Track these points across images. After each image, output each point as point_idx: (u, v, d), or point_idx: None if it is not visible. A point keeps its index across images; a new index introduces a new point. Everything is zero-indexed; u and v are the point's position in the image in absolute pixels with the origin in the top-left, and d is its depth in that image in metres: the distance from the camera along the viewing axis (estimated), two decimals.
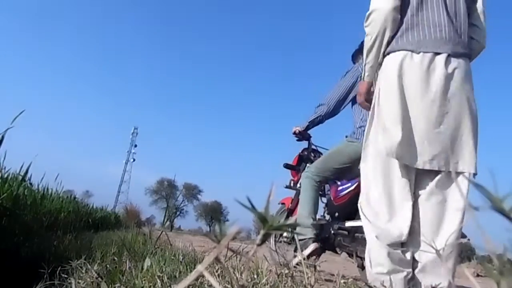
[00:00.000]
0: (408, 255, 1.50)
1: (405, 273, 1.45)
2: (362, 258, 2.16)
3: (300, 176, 2.85)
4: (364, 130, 1.74)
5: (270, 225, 0.30)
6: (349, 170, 2.53)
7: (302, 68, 78.35)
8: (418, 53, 1.50)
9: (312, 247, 2.32)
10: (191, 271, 1.22)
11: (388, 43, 1.59)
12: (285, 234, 2.96)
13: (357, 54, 2.76)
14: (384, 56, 1.61)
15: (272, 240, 3.13)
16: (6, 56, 74.08)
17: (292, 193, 3.10)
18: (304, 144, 3.12)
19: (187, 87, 76.10)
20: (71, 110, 76.95)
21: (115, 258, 1.50)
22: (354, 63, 2.80)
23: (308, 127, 2.88)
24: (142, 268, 1.18)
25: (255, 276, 1.15)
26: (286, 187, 3.14)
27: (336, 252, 2.61)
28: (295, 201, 3.00)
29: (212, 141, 74.73)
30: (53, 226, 2.84)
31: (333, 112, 2.69)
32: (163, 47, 76.89)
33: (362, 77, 1.77)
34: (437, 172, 1.49)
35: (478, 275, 6.49)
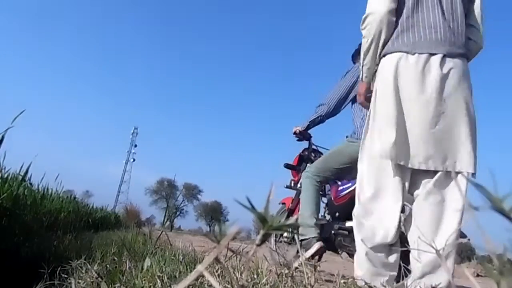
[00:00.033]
0: (392, 258, 1.53)
1: (387, 277, 1.49)
2: None
3: (301, 176, 2.85)
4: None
5: (270, 225, 0.30)
6: (350, 170, 2.53)
7: (302, 68, 78.44)
8: (413, 54, 1.51)
9: (316, 246, 2.31)
10: (191, 271, 1.22)
11: (384, 44, 1.61)
12: (285, 234, 2.96)
13: (357, 54, 2.76)
14: (380, 57, 1.63)
15: (272, 240, 3.13)
16: (7, 56, 74.17)
17: (292, 193, 3.10)
18: (305, 144, 3.12)
19: (187, 87, 76.21)
20: (71, 110, 77.09)
21: (115, 258, 1.50)
22: (354, 63, 2.80)
23: (308, 127, 2.88)
24: (142, 268, 1.18)
25: (255, 276, 1.15)
26: (287, 187, 3.14)
27: (337, 252, 2.61)
28: (296, 201, 3.00)
29: (212, 141, 74.85)
30: (53, 226, 2.84)
31: (334, 111, 2.70)
32: (163, 47, 77.04)
33: (360, 78, 1.80)
34: (435, 172, 1.49)
35: (478, 275, 6.48)
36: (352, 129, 2.59)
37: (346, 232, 2.43)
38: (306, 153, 3.10)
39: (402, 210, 2.07)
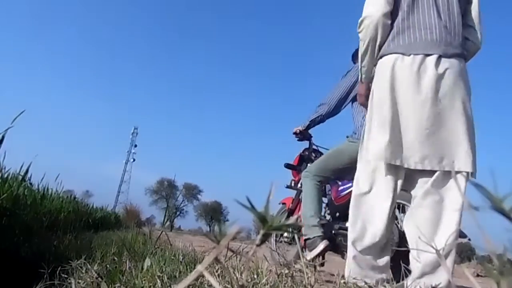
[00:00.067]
0: (381, 261, 1.55)
1: (373, 281, 1.50)
2: None
3: (301, 176, 2.85)
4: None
5: (270, 225, 0.30)
6: (350, 170, 2.52)
7: (303, 69, 78.39)
8: (409, 55, 1.53)
9: (322, 245, 2.30)
10: (191, 271, 1.22)
11: (381, 46, 1.63)
12: (285, 234, 2.96)
13: (357, 54, 2.75)
14: (378, 59, 1.66)
15: (272, 240, 3.13)
16: (6, 56, 74.14)
17: (293, 193, 3.10)
18: (305, 144, 3.12)
19: (187, 87, 76.18)
20: (71, 110, 77.09)
21: (115, 258, 1.50)
22: (354, 63, 2.80)
23: (309, 126, 2.88)
24: (142, 268, 1.18)
25: (255, 276, 1.15)
26: (287, 187, 3.14)
27: (337, 252, 2.61)
28: (296, 201, 3.00)
29: (212, 141, 74.81)
30: (53, 226, 2.84)
31: (334, 111, 2.70)
32: (164, 47, 76.95)
33: (360, 79, 1.83)
34: (434, 172, 1.50)
35: (478, 275, 6.49)
36: (352, 129, 2.59)
37: (347, 232, 2.43)
38: (307, 153, 3.10)
39: (403, 210, 2.08)
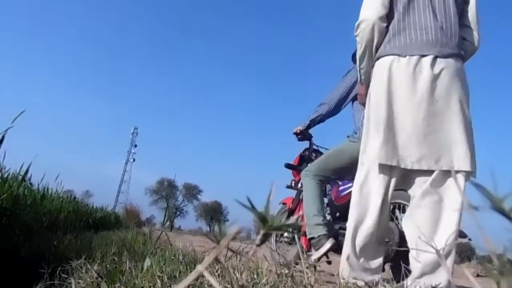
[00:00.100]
0: (374, 264, 1.56)
1: (362, 283, 1.51)
2: None
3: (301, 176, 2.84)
4: None
5: (270, 225, 0.30)
6: (350, 170, 2.52)
7: (302, 68, 78.41)
8: (405, 56, 1.55)
9: (329, 244, 2.30)
10: (191, 271, 1.22)
11: (378, 48, 1.66)
12: (285, 234, 2.96)
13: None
14: (375, 60, 1.68)
15: (272, 240, 3.13)
16: (6, 56, 74.15)
17: (293, 193, 3.10)
18: (306, 144, 3.12)
19: (187, 87, 76.19)
20: (71, 110, 77.09)
21: (115, 258, 1.50)
22: (354, 62, 2.80)
23: (309, 126, 2.89)
24: (142, 268, 1.18)
25: (255, 276, 1.15)
26: (287, 187, 3.14)
27: (337, 253, 2.61)
28: (296, 201, 3.00)
29: (212, 141, 74.82)
30: (53, 226, 2.84)
31: (334, 111, 2.70)
32: (164, 47, 76.94)
33: (359, 80, 1.86)
34: (431, 172, 1.50)
35: (478, 275, 6.48)
36: (353, 129, 2.59)
37: None
38: (307, 153, 3.10)
39: (403, 210, 2.09)
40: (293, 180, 3.14)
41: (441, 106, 1.49)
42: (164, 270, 1.16)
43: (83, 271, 1.16)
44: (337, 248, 2.55)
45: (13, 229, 1.83)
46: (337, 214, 2.64)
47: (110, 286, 1.06)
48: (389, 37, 1.62)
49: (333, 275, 2.14)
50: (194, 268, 1.07)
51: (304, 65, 77.07)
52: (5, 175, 2.25)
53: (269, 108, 77.37)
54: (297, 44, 78.31)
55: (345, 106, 2.68)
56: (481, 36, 1.70)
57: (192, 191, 44.92)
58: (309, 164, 2.98)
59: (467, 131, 1.49)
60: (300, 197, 2.95)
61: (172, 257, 1.48)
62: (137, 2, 78.18)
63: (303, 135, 3.00)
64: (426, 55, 1.52)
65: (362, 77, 1.80)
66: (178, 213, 44.66)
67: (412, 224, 1.51)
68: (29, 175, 2.60)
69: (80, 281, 1.08)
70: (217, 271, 1.14)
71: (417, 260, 1.46)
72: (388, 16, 1.64)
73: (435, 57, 1.52)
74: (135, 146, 49.13)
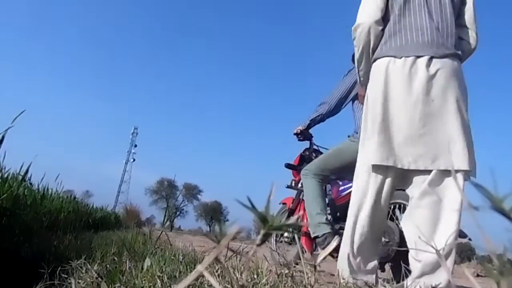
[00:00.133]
0: (369, 265, 1.58)
1: (363, 283, 1.52)
2: None
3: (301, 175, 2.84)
4: None
5: (270, 225, 0.30)
6: (350, 170, 2.52)
7: (302, 68, 78.39)
8: (400, 57, 1.56)
9: (335, 242, 2.30)
10: (191, 271, 1.22)
11: (375, 50, 1.68)
12: (285, 234, 2.96)
13: None
14: (372, 62, 1.70)
15: (272, 240, 3.13)
16: (6, 56, 74.12)
17: (293, 193, 3.10)
18: (306, 144, 3.12)
19: (187, 87, 76.16)
20: (71, 110, 77.07)
21: (115, 258, 1.50)
22: (354, 63, 2.81)
23: (309, 125, 2.89)
24: (142, 268, 1.18)
25: (255, 276, 1.15)
26: (288, 187, 3.14)
27: (338, 252, 2.61)
28: (297, 201, 3.00)
29: (212, 141, 74.82)
30: (53, 226, 2.84)
31: (334, 110, 2.71)
32: (164, 47, 76.92)
33: (358, 81, 1.88)
34: (429, 172, 1.50)
35: (478, 275, 6.48)
36: (353, 128, 2.59)
37: None
38: (307, 153, 3.10)
39: (403, 210, 2.09)
40: (293, 180, 3.14)
41: (437, 106, 1.49)
42: (164, 270, 1.16)
43: (83, 271, 1.16)
44: (338, 248, 2.55)
45: (13, 229, 1.83)
46: (338, 214, 2.64)
47: (110, 286, 1.06)
48: (385, 39, 1.64)
49: (333, 275, 2.14)
50: (194, 268, 1.07)
51: (304, 65, 77.11)
52: (5, 175, 2.25)
53: (269, 108, 77.41)
54: (297, 44, 78.32)
55: (345, 105, 2.69)
56: (480, 36, 1.71)
57: (192, 191, 44.95)
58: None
59: (465, 130, 1.48)
60: (300, 197, 2.95)
61: (172, 257, 1.48)
62: (137, 2, 78.23)
63: (304, 135, 3.00)
64: (421, 56, 1.53)
65: (361, 79, 1.82)
66: (178, 213, 44.69)
67: (411, 224, 1.50)
68: (29, 175, 2.60)
69: (80, 281, 1.08)
70: (217, 271, 1.14)
71: (417, 260, 1.46)
72: (384, 19, 1.66)
73: (431, 58, 1.52)
74: (135, 146, 49.18)
